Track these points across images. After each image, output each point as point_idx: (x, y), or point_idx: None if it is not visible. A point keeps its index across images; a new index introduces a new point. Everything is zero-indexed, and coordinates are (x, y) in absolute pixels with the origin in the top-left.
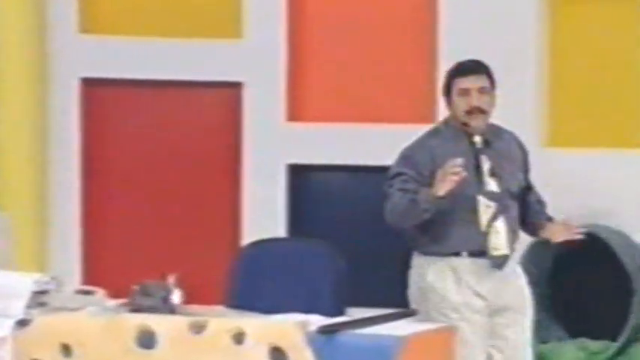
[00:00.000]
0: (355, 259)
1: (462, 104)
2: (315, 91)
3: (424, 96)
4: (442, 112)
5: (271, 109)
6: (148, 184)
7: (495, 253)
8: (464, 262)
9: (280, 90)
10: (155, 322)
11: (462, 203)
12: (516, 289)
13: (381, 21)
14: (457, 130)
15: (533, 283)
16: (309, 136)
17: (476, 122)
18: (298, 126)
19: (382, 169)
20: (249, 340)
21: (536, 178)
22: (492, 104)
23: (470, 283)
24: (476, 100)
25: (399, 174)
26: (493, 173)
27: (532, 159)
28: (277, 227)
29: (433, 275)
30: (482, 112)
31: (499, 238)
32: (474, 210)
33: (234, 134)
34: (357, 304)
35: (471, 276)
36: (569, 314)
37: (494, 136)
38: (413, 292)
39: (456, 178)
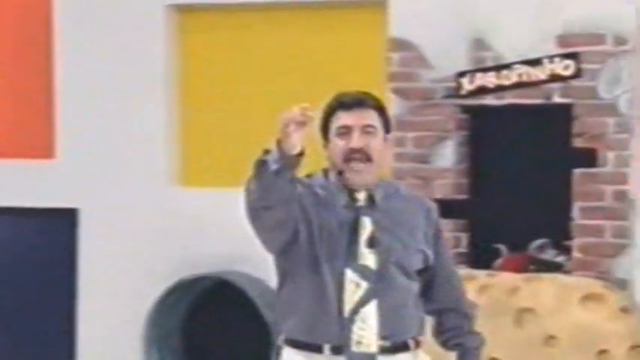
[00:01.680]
0: None
1: (340, 146)
2: None
3: (40, 129)
4: (63, 145)
5: None
6: None
7: (357, 349)
8: None
9: None
10: None
11: (326, 279)
12: None
13: None
14: (336, 183)
15: (165, 335)
16: None
17: (356, 171)
18: None
19: None
20: None
21: (164, 220)
22: (384, 150)
23: None
24: (357, 141)
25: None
26: (372, 243)
27: (157, 199)
28: None
29: None
30: (366, 158)
31: (365, 329)
32: (340, 288)
33: None
34: None
35: None
36: None
37: (389, 194)
38: None
39: (301, 119)
